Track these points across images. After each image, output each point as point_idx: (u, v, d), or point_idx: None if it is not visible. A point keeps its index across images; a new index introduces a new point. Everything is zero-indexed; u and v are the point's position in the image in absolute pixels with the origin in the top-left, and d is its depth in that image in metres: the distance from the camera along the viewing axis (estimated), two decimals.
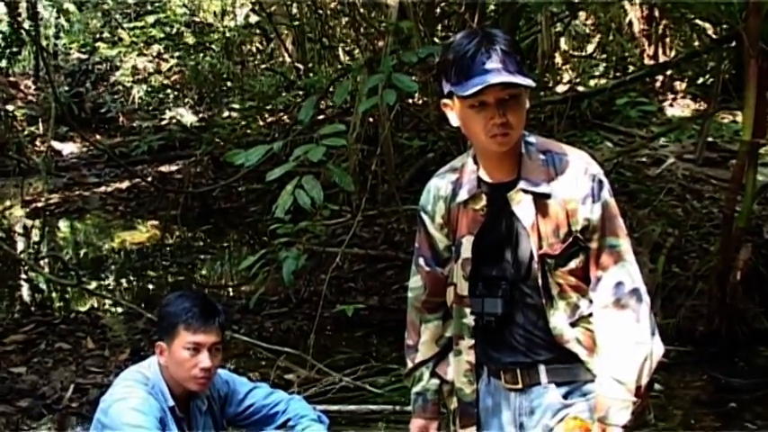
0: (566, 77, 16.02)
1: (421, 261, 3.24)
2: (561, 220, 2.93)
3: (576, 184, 2.93)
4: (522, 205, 2.94)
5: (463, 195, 3.04)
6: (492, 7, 10.39)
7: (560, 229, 2.94)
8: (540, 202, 2.93)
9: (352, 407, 6.14)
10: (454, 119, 2.98)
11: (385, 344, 7.45)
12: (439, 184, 3.13)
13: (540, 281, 2.96)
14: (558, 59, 15.94)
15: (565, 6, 9.74)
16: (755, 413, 6.30)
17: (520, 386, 3.06)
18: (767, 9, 7.25)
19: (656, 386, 6.52)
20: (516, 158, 2.97)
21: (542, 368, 3.03)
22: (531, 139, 3.02)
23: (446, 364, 3.28)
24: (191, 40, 16.81)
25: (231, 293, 9.50)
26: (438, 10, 11.29)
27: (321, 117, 11.62)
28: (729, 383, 6.72)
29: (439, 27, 11.80)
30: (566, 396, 3.03)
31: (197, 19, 17.85)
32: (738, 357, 7.13)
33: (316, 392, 6.28)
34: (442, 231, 3.14)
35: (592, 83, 14.94)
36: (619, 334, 2.91)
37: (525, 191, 2.94)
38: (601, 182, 2.97)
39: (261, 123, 14.43)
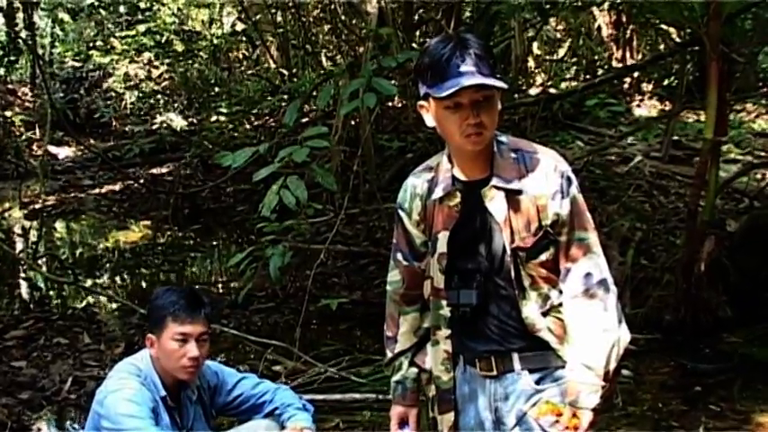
0: (538, 80, 16.09)
1: (399, 256, 3.31)
2: (532, 215, 3.00)
3: (546, 181, 3.00)
4: (494, 201, 3.01)
5: (439, 193, 3.11)
6: (467, 14, 10.53)
7: (531, 223, 3.00)
8: (512, 198, 3.00)
9: (337, 396, 6.23)
10: (430, 120, 3.04)
11: (368, 336, 7.50)
12: (415, 183, 3.20)
13: (512, 273, 3.03)
14: (531, 63, 16.00)
15: (536, 12, 9.89)
16: (719, 396, 6.45)
17: (495, 373, 3.13)
18: (727, 14, 7.54)
19: (626, 372, 6.67)
20: (489, 157, 3.04)
21: (516, 356, 3.11)
22: (503, 138, 3.09)
23: (424, 354, 3.35)
24: (180, 47, 16.78)
25: (221, 290, 9.58)
26: (416, 17, 11.36)
27: (305, 120, 11.68)
28: (695, 369, 6.91)
29: (417, 33, 11.85)
30: (538, 382, 3.11)
31: (186, 27, 17.80)
32: (703, 344, 7.28)
33: (302, 383, 6.34)
34: (419, 227, 3.20)
35: (563, 85, 15.06)
36: (588, 322, 3.01)
37: (498, 188, 3.00)
38: (569, 178, 3.04)
39: (247, 127, 14.56)
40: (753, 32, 10.49)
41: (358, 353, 7.01)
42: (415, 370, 3.41)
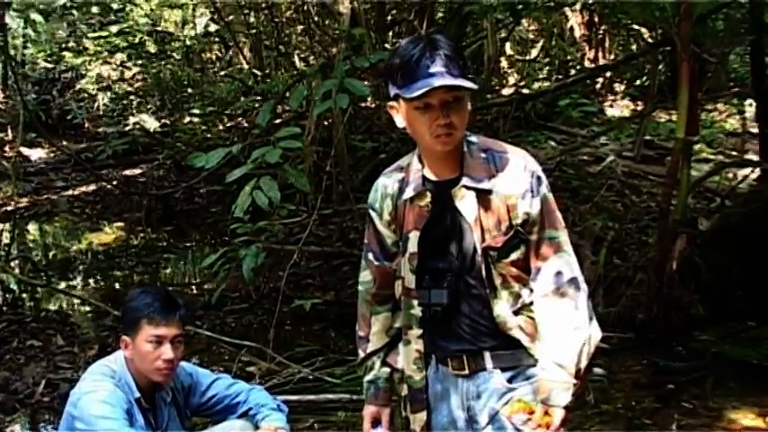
0: (511, 80, 16.15)
1: (370, 256, 3.31)
2: (502, 215, 3.01)
3: (516, 181, 3.01)
4: (464, 201, 3.02)
5: (409, 193, 3.12)
6: (440, 14, 10.56)
7: (502, 222, 3.01)
8: (483, 197, 3.01)
9: (311, 396, 6.21)
10: (400, 120, 3.05)
11: (342, 336, 7.47)
12: (386, 183, 3.21)
13: (483, 272, 3.04)
14: (504, 63, 16.11)
15: (508, 13, 9.93)
16: (692, 394, 6.51)
17: (466, 372, 3.14)
18: (698, 14, 7.59)
19: (599, 371, 6.74)
20: (459, 157, 3.05)
21: (487, 354, 3.12)
22: (473, 138, 3.10)
23: (396, 354, 3.35)
24: (153, 48, 16.65)
25: (195, 291, 9.53)
26: (389, 17, 11.40)
27: (278, 121, 11.65)
28: (667, 367, 6.96)
29: (390, 33, 11.89)
30: (510, 380, 3.12)
31: (159, 28, 17.74)
32: (676, 342, 7.33)
33: (276, 383, 6.32)
34: (390, 227, 3.21)
35: (536, 85, 15.04)
36: (559, 320, 3.03)
37: (468, 187, 3.01)
38: (539, 178, 3.05)
39: (221, 128, 14.55)
40: (724, 33, 10.54)
41: (332, 353, 7.01)
42: (387, 369, 3.41)
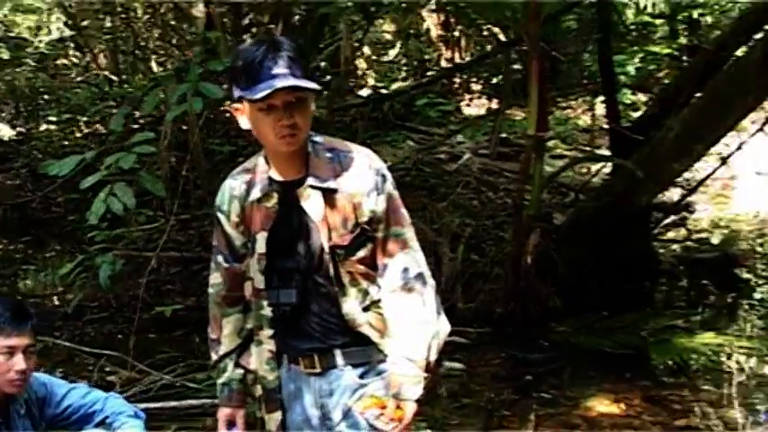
0: (370, 82, 16.30)
1: (219, 258, 3.30)
2: (349, 213, 3.04)
3: (361, 179, 3.05)
4: (310, 201, 3.05)
5: (256, 194, 3.13)
6: (296, 17, 10.56)
7: (348, 221, 3.04)
8: (328, 196, 3.04)
9: (174, 403, 6.17)
10: (245, 122, 3.06)
11: (203, 341, 7.15)
12: (233, 185, 3.21)
13: (331, 271, 3.07)
14: (364, 65, 16.25)
15: (362, 15, 10.01)
16: (550, 384, 6.73)
17: (318, 370, 3.17)
18: (547, 14, 7.78)
19: (459, 365, 6.90)
20: (304, 157, 3.06)
21: (338, 352, 3.15)
22: (318, 138, 3.12)
23: (249, 355, 3.34)
24: (6, 55, 16.39)
25: (56, 302, 9.34)
26: (245, 20, 11.40)
27: (136, 126, 11.40)
28: (526, 359, 7.16)
29: (246, 36, 11.89)
30: (362, 376, 3.15)
31: (12, 34, 17.43)
32: (534, 335, 7.53)
33: (138, 391, 6.27)
34: (238, 229, 3.21)
35: (395, 86, 15.19)
36: (407, 316, 3.06)
37: (313, 187, 3.03)
38: (384, 176, 3.09)
39: (78, 135, 14.28)
40: (576, 31, 10.81)
41: (194, 359, 6.94)
42: (240, 371, 3.39)
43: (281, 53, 2.93)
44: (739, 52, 8.95)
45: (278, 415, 3.30)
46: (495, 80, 15.07)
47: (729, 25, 10.66)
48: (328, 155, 3.11)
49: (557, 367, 7.06)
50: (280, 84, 2.88)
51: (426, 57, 16.62)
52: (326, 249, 3.08)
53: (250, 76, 2.94)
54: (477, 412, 6.29)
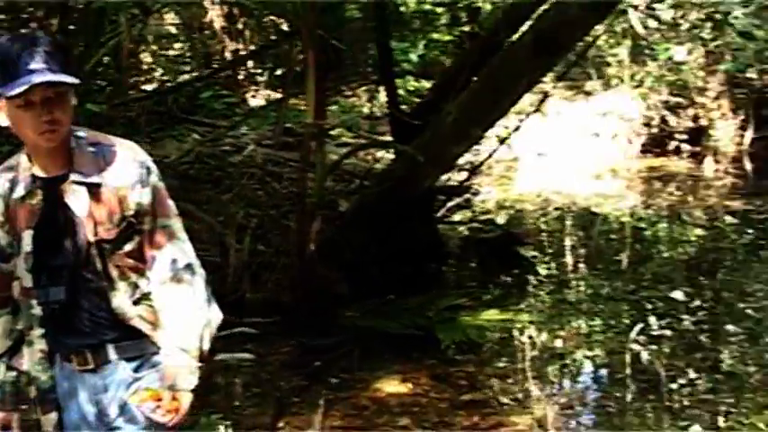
0: (157, 75, 16.14)
1: None
2: (114, 207, 3.03)
3: (126, 172, 3.04)
4: (74, 196, 3.01)
5: (20, 192, 3.06)
6: (75, 13, 10.29)
7: (114, 215, 3.03)
8: (93, 191, 3.01)
9: None
10: (3, 119, 2.99)
11: None
12: None
13: (99, 265, 3.04)
14: (149, 59, 16.01)
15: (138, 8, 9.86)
16: (340, 368, 6.88)
17: (91, 366, 3.13)
18: (325, 4, 7.87)
19: (248, 355, 6.97)
20: (67, 153, 3.03)
21: (110, 347, 3.12)
22: (81, 133, 3.08)
23: (21, 356, 3.25)
24: None
25: None
26: (22, 15, 11.07)
27: None
28: (314, 346, 7.24)
29: (22, 31, 11.56)
30: (136, 370, 3.13)
31: None
32: (322, 321, 7.59)
33: None
34: (4, 228, 3.12)
35: (181, 79, 15.05)
36: (178, 306, 3.08)
37: (77, 182, 3.00)
38: (149, 168, 3.09)
39: None
40: (359, 20, 10.91)
41: None
42: (13, 374, 3.29)
43: (38, 48, 2.88)
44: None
45: (54, 415, 3.23)
46: (279, 71, 15.08)
47: (503, 11, 10.96)
48: (92, 149, 3.07)
49: (345, 351, 7.16)
50: (37, 79, 2.83)
51: (211, 49, 16.49)
52: (93, 244, 3.04)
53: (6, 72, 2.88)
54: (266, 400, 6.36)
